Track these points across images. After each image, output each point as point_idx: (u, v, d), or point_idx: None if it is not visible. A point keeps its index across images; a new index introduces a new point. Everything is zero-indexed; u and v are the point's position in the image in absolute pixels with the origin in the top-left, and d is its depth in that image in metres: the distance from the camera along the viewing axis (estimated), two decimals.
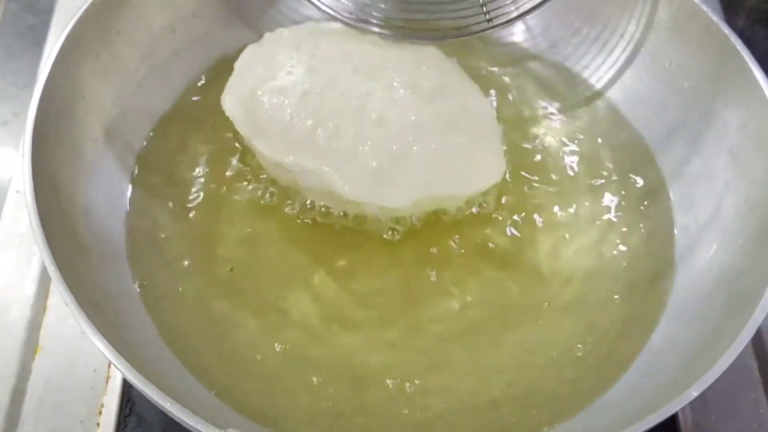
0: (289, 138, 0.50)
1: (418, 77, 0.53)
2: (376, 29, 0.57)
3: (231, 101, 0.53)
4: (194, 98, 0.60)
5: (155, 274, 0.51)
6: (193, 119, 0.59)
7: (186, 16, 0.58)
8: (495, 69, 0.62)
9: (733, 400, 0.53)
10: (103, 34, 0.53)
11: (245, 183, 0.56)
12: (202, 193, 0.55)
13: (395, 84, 0.52)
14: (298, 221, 0.54)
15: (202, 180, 0.56)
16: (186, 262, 0.52)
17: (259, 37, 0.57)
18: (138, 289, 0.50)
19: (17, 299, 0.55)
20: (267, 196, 0.55)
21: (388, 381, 0.48)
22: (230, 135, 0.57)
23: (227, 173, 0.57)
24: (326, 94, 0.52)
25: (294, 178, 0.52)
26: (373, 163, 0.49)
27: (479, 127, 0.54)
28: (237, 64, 0.55)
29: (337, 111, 0.51)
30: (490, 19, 0.57)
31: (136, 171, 0.55)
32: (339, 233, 0.54)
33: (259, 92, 0.52)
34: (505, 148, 0.55)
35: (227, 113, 0.53)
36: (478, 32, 0.57)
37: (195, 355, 0.49)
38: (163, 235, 0.53)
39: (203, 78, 0.61)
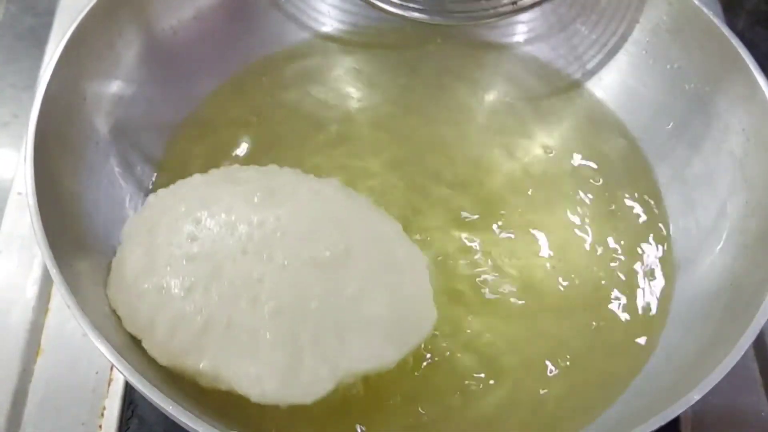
0: (180, 339, 0.44)
1: (314, 247, 0.46)
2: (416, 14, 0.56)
3: (114, 293, 0.47)
4: (198, 101, 0.60)
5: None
6: (198, 122, 0.59)
7: (188, 19, 0.58)
8: (489, 71, 0.62)
9: (735, 403, 0.53)
10: (105, 36, 0.53)
11: None
12: None
13: (287, 262, 0.46)
14: None
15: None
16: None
17: (261, 40, 0.57)
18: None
19: (19, 301, 0.55)
20: None
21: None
22: (234, 137, 0.58)
23: None
24: (213, 286, 0.45)
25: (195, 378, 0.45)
26: (278, 358, 0.43)
27: (397, 280, 0.48)
28: (120, 244, 0.49)
29: (228, 304, 0.44)
30: (515, 1, 0.55)
31: (139, 173, 0.55)
32: None
33: (141, 286, 0.46)
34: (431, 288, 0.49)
35: (112, 305, 0.46)
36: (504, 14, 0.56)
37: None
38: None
39: (206, 81, 0.61)
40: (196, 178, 0.52)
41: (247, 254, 0.46)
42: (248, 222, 0.47)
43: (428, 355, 0.49)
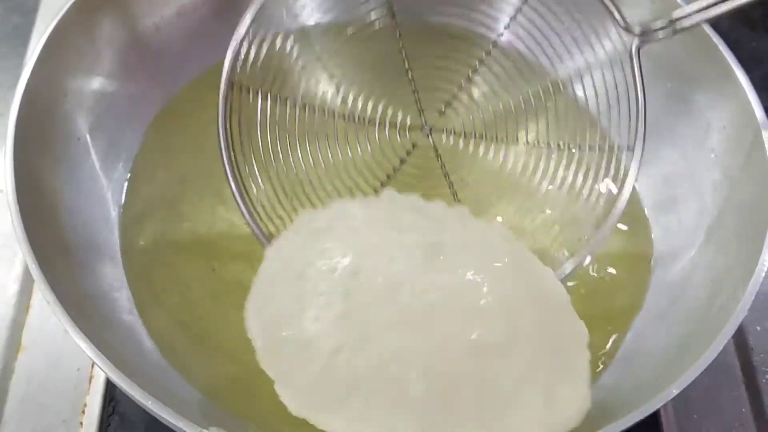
0: (320, 397, 0.42)
1: (478, 330, 0.43)
2: None
3: (255, 324, 0.46)
4: (180, 98, 0.60)
5: (139, 274, 0.51)
6: (180, 118, 0.59)
7: (171, 15, 0.58)
8: (476, 71, 0.62)
9: (716, 399, 0.53)
10: (86, 32, 0.52)
11: None
12: (187, 193, 0.55)
13: (445, 341, 0.42)
14: None
15: (187, 180, 0.56)
16: (170, 262, 0.52)
17: (249, 42, 0.56)
18: (122, 289, 0.50)
19: (0, 298, 0.55)
20: None
21: None
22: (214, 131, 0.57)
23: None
24: (361, 354, 0.42)
25: None
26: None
27: (556, 366, 0.44)
28: (257, 282, 0.47)
29: (374, 375, 0.42)
30: None
31: (121, 170, 0.55)
32: None
33: (285, 331, 0.44)
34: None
35: (248, 332, 0.46)
36: None
37: (179, 354, 0.49)
38: (147, 235, 0.53)
39: (189, 78, 0.60)
40: (355, 206, 0.51)
41: (403, 324, 0.43)
42: (411, 288, 0.44)
43: None
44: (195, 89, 0.59)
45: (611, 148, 0.55)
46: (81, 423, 0.51)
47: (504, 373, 0.42)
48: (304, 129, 0.54)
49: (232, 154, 0.50)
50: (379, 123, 0.57)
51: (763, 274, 0.44)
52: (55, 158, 0.49)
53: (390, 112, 0.57)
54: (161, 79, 0.58)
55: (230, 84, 0.51)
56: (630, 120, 0.53)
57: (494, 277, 0.46)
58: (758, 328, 0.56)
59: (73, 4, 0.50)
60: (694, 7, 0.50)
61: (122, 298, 0.50)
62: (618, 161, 0.54)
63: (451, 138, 0.58)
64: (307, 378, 0.43)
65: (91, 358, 0.38)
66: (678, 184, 0.56)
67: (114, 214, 0.53)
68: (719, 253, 0.50)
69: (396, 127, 0.57)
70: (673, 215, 0.55)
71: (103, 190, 0.53)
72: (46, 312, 0.53)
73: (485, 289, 0.45)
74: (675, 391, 0.39)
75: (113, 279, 0.50)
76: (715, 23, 0.72)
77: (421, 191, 0.55)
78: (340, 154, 0.54)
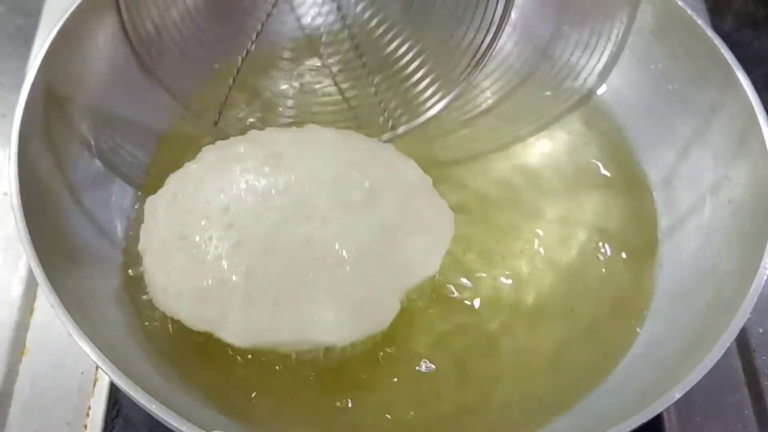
0: (257, 320, 0.45)
1: (343, 192, 0.49)
2: None
3: (165, 299, 0.46)
4: (183, 100, 0.60)
5: (142, 277, 0.51)
6: (184, 120, 0.59)
7: (175, 18, 0.58)
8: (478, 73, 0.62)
9: (718, 401, 0.53)
10: (91, 35, 0.53)
11: None
12: None
13: (327, 216, 0.48)
14: None
15: None
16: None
17: (248, 39, 0.57)
18: (125, 293, 0.50)
19: (4, 301, 0.55)
20: None
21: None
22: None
23: None
24: (271, 264, 0.46)
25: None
26: (349, 300, 0.45)
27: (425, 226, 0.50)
28: (145, 252, 0.48)
29: (290, 275, 0.46)
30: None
31: (125, 173, 0.55)
32: None
33: (197, 285, 0.46)
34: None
35: (167, 311, 0.46)
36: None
37: (182, 358, 0.49)
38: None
39: (192, 80, 0.60)
40: (192, 167, 0.52)
41: (288, 222, 0.47)
42: (275, 190, 0.49)
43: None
44: (199, 91, 0.59)
45: None
46: (85, 426, 0.51)
47: (383, 223, 0.48)
48: None
49: None
50: None
51: (766, 276, 0.44)
52: (59, 161, 0.49)
53: None
54: (167, 83, 0.58)
55: None
56: None
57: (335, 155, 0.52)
58: (760, 330, 0.56)
59: (78, 6, 0.51)
60: None
61: (125, 300, 0.50)
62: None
63: None
64: (240, 311, 0.45)
65: (94, 361, 0.39)
66: (680, 185, 0.56)
67: (118, 217, 0.53)
68: (721, 255, 0.50)
69: None
70: (675, 216, 0.55)
71: (107, 193, 0.53)
72: (50, 315, 0.53)
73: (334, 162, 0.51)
74: (678, 395, 0.39)
75: (117, 282, 0.50)
76: (717, 24, 0.73)
77: None
78: None
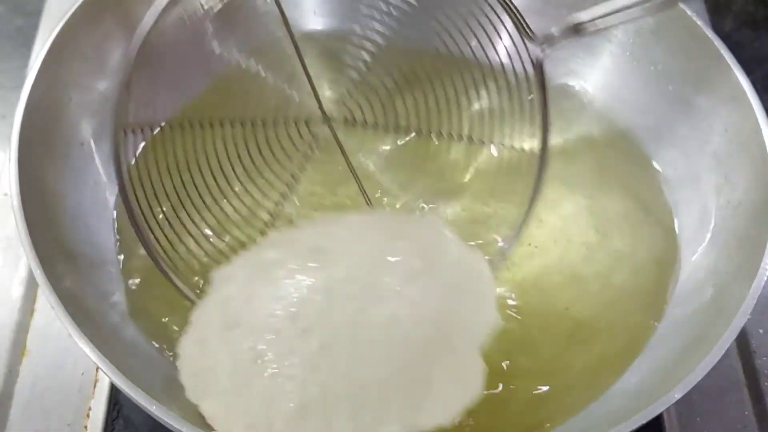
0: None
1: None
2: None
3: (210, 404, 0.43)
4: (185, 104, 0.60)
5: (142, 279, 0.51)
6: (184, 123, 0.59)
7: (175, 20, 0.58)
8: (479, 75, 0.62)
9: (718, 402, 0.53)
10: (91, 36, 0.53)
11: None
12: (188, 199, 0.55)
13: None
14: None
15: (190, 184, 0.56)
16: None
17: (249, 42, 0.56)
18: (125, 293, 0.50)
19: (4, 302, 0.55)
20: None
21: None
22: (221, 139, 0.57)
23: None
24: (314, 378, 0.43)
25: None
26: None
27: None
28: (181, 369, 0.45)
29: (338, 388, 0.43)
30: None
31: (125, 175, 0.55)
32: None
33: (246, 385, 0.43)
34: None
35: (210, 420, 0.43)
36: None
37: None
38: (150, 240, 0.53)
39: (193, 82, 0.60)
40: (229, 289, 0.48)
41: (364, 309, 0.45)
42: (335, 281, 0.46)
43: None
44: (198, 94, 0.59)
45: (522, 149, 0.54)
46: (85, 427, 0.51)
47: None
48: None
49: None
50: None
51: (766, 278, 0.44)
52: (59, 163, 0.49)
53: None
54: (167, 86, 0.58)
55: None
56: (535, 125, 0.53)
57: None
58: (761, 331, 0.56)
59: (78, 7, 0.50)
60: (593, 13, 0.49)
61: (126, 302, 0.50)
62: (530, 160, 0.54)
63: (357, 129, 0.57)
64: (343, 417, 0.42)
65: (95, 362, 0.39)
66: (680, 187, 0.56)
67: (117, 218, 0.53)
68: (721, 256, 0.50)
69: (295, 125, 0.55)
70: (674, 218, 0.55)
71: (107, 194, 0.53)
72: (51, 316, 0.53)
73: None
74: (677, 395, 0.39)
75: (117, 283, 0.50)
76: (717, 24, 0.73)
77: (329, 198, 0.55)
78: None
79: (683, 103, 0.55)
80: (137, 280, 0.51)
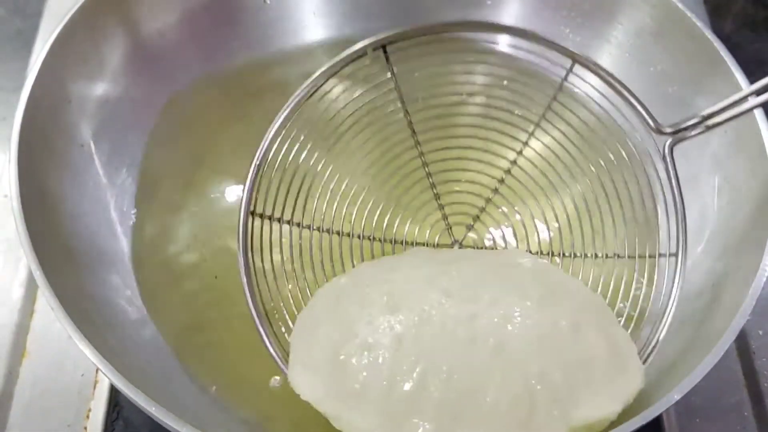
0: (397, 401, 0.40)
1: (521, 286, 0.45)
2: None
3: (304, 377, 0.43)
4: (183, 105, 0.60)
5: (143, 279, 0.51)
6: (181, 125, 0.59)
7: (173, 22, 0.58)
8: (481, 76, 0.62)
9: (718, 403, 0.53)
10: (90, 38, 0.53)
11: None
12: (189, 200, 0.55)
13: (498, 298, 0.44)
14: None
15: (189, 185, 0.56)
16: (173, 269, 0.53)
17: (247, 43, 0.57)
18: (125, 294, 0.50)
19: (4, 303, 0.55)
20: None
21: None
22: (219, 139, 0.58)
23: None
24: (425, 331, 0.42)
25: None
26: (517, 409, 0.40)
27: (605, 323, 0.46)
28: (293, 338, 0.46)
29: (445, 348, 0.42)
30: None
31: (124, 176, 0.55)
32: None
33: (341, 356, 0.42)
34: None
35: (303, 395, 0.43)
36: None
37: (182, 360, 0.49)
38: (150, 241, 0.53)
39: (191, 83, 0.61)
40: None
41: (451, 297, 0.44)
42: (443, 273, 0.46)
43: None
44: (198, 94, 0.60)
45: (651, 255, 0.52)
46: (85, 428, 0.51)
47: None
48: (327, 251, 0.51)
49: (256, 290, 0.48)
50: (406, 242, 0.54)
51: (765, 279, 0.44)
52: (58, 164, 0.49)
53: (416, 230, 0.55)
54: (166, 86, 0.59)
55: (249, 213, 0.49)
56: (669, 225, 0.51)
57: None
58: (760, 332, 0.56)
59: (78, 9, 0.51)
60: (725, 103, 0.47)
61: (125, 303, 0.50)
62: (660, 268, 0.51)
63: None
64: (380, 383, 0.41)
65: (94, 364, 0.39)
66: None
67: (117, 219, 0.54)
68: (721, 257, 0.50)
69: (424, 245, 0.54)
70: (674, 219, 0.55)
71: (107, 195, 0.53)
72: (51, 317, 0.53)
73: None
74: (677, 396, 0.39)
75: (116, 284, 0.50)
76: (717, 26, 0.73)
77: None
78: None
79: (683, 105, 0.55)
80: (139, 282, 0.51)
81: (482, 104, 0.57)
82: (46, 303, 0.40)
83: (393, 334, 0.42)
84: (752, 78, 0.51)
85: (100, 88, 0.54)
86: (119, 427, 0.51)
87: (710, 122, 0.48)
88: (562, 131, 0.54)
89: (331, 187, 0.53)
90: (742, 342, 0.56)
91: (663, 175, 0.50)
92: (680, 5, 0.55)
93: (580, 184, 0.54)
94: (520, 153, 0.55)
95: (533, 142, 0.55)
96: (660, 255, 0.51)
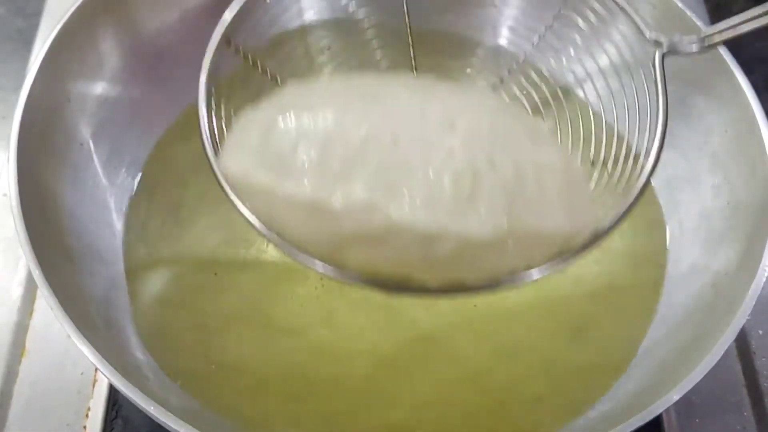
0: (333, 161, 0.38)
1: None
2: None
3: (233, 155, 0.41)
4: (182, 102, 0.60)
5: (142, 279, 0.51)
6: (183, 122, 0.59)
7: (173, 20, 0.58)
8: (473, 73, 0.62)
9: (718, 403, 0.53)
10: (89, 37, 0.53)
11: None
12: (189, 199, 0.55)
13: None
14: None
15: (188, 184, 0.56)
16: (173, 268, 0.53)
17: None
18: (124, 294, 0.50)
19: (3, 302, 0.55)
20: None
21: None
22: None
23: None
24: (374, 108, 0.40)
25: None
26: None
27: None
28: (234, 127, 0.44)
29: (393, 117, 0.39)
30: None
31: (124, 175, 0.55)
32: None
33: (276, 129, 0.40)
34: None
35: (232, 174, 0.41)
36: None
37: (181, 359, 0.49)
38: (150, 240, 0.53)
39: (191, 82, 0.60)
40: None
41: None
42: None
43: None
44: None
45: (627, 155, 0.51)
46: (84, 427, 0.51)
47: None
48: None
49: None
50: None
51: (765, 279, 0.44)
52: (58, 163, 0.49)
53: None
54: (166, 85, 0.58)
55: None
56: (649, 126, 0.50)
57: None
58: (760, 332, 0.56)
59: (77, 8, 0.50)
60: (724, 25, 0.47)
61: (125, 302, 0.50)
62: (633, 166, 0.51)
63: None
64: (312, 156, 0.39)
65: (93, 363, 0.39)
66: (679, 187, 0.56)
67: (117, 219, 0.54)
68: (721, 256, 0.50)
69: None
70: (674, 219, 0.55)
71: (106, 195, 0.53)
72: (50, 316, 0.53)
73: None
74: (676, 396, 0.39)
75: (116, 283, 0.50)
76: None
77: None
78: None
79: (682, 104, 0.55)
80: (138, 281, 0.51)
81: None
82: (45, 302, 0.41)
83: (336, 107, 0.40)
84: (752, 77, 0.51)
85: (99, 88, 0.54)
86: (118, 426, 0.51)
87: (707, 42, 0.48)
88: None
89: None
90: (742, 342, 0.56)
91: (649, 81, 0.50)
92: (680, 5, 0.54)
93: None
94: None
95: None
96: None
